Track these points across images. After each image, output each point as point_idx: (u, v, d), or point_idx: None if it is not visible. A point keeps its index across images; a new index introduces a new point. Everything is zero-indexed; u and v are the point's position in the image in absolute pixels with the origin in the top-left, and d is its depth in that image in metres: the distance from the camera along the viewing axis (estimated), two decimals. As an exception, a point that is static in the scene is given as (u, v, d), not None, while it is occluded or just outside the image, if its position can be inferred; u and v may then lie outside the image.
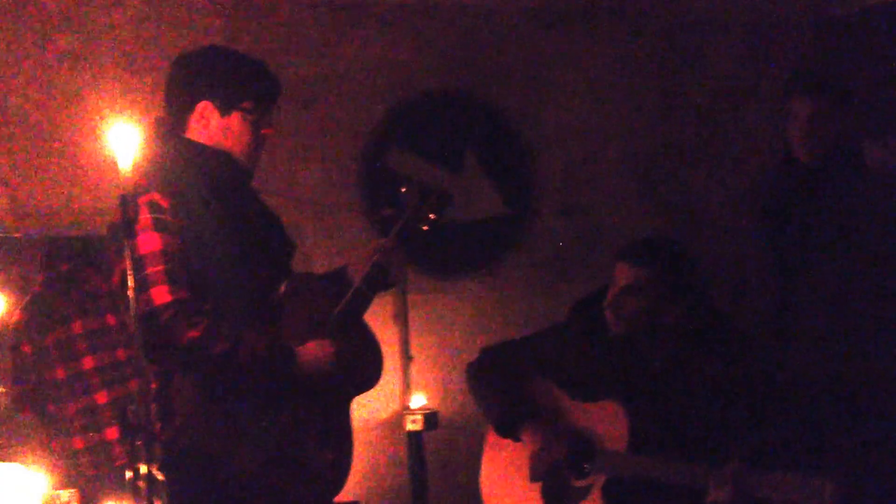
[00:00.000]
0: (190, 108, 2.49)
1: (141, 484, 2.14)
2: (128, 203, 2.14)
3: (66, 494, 3.18)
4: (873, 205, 3.09)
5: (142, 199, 2.38)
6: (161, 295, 2.32)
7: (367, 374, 2.62)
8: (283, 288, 2.50)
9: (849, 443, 2.87)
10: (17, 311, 3.50)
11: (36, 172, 3.59)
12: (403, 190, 2.68)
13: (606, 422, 2.80)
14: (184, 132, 2.50)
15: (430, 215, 2.67)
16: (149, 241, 2.35)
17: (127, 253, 2.11)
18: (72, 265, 3.57)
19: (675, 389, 2.80)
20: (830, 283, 3.09)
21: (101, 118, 3.17)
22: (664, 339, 2.84)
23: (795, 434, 2.85)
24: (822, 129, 3.14)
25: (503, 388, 3.00)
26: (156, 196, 2.39)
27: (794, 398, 2.96)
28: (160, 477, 2.27)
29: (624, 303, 2.81)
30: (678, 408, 2.78)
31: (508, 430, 2.96)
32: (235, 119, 2.49)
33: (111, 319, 3.47)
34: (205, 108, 2.48)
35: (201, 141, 2.49)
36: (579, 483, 2.84)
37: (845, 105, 3.18)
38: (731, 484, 2.51)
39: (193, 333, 2.32)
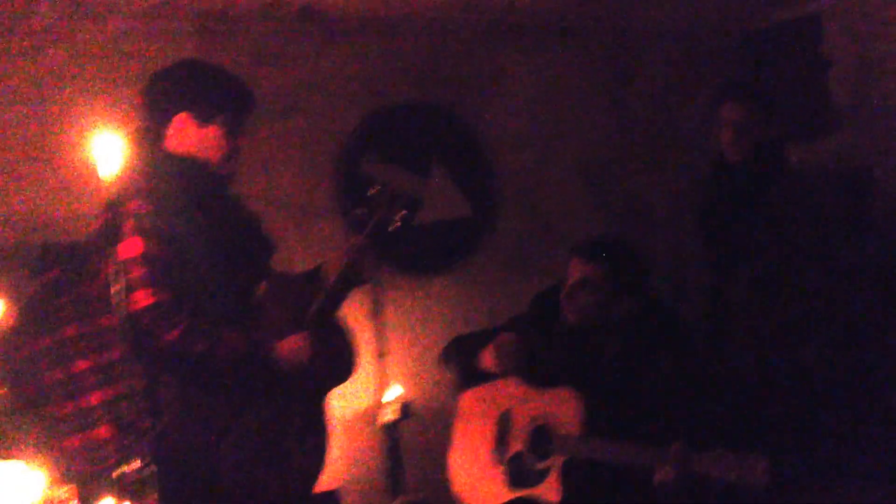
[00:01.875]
0: (168, 119, 2.54)
1: (132, 480, 2.25)
2: (111, 210, 2.22)
3: (63, 491, 3.31)
4: (797, 202, 3.20)
5: (125, 207, 2.42)
6: (144, 298, 2.37)
7: (341, 367, 2.65)
8: (262, 288, 2.54)
9: (778, 423, 3.00)
10: (12, 316, 3.44)
11: (24, 181, 3.60)
12: (373, 191, 2.70)
13: (562, 407, 2.92)
14: (162, 142, 2.53)
15: (399, 214, 2.69)
16: (131, 246, 2.39)
17: (110, 258, 2.20)
18: (63, 270, 3.55)
19: (624, 377, 2.93)
20: (758, 276, 3.20)
21: (87, 130, 3.16)
22: (615, 330, 2.97)
23: (731, 416, 3.00)
24: (750, 132, 3.27)
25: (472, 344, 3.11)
26: (137, 202, 2.43)
27: (730, 384, 3.10)
28: (151, 472, 2.38)
29: (578, 295, 2.94)
30: (628, 394, 2.90)
31: (472, 364, 3.08)
32: (212, 130, 2.54)
33: (104, 321, 3.34)
34: (183, 119, 2.52)
35: (179, 150, 2.52)
36: (539, 465, 2.96)
37: (770, 110, 3.31)
38: (676, 462, 2.65)
39: (174, 333, 2.36)
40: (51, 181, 3.63)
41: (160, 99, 2.55)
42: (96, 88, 3.70)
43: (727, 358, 3.22)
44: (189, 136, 2.53)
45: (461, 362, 3.15)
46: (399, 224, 2.70)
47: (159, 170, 2.49)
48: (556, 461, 2.92)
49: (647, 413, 2.88)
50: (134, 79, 3.64)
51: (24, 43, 3.66)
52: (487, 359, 3.02)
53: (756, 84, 3.62)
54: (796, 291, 3.14)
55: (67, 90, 3.68)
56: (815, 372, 3.06)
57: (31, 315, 3.53)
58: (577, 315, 2.97)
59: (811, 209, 3.24)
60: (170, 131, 2.53)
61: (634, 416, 2.88)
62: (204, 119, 2.53)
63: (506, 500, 3.03)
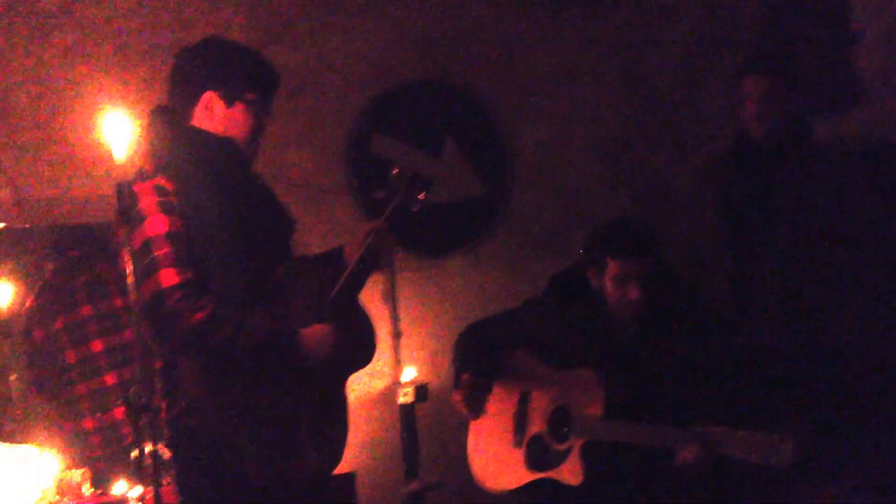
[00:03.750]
0: (195, 98, 2.51)
1: (147, 462, 2.18)
2: (124, 191, 2.16)
3: (77, 474, 3.28)
4: (822, 180, 3.15)
5: (148, 184, 2.38)
6: (168, 277, 2.30)
7: (362, 353, 2.62)
8: (281, 270, 2.51)
9: (803, 405, 2.98)
10: (30, 298, 3.54)
11: (37, 164, 3.60)
12: (394, 172, 2.66)
13: (582, 389, 2.91)
14: (189, 121, 2.52)
15: (420, 196, 2.65)
16: (156, 224, 2.34)
17: (126, 239, 2.15)
18: (80, 251, 3.60)
19: (646, 359, 2.92)
20: (781, 255, 3.16)
21: (98, 109, 3.12)
22: (637, 313, 2.95)
23: (755, 398, 2.98)
24: (774, 107, 3.20)
25: (473, 360, 3.12)
26: (161, 180, 2.39)
27: (752, 365, 3.08)
28: (167, 454, 2.36)
29: (634, 296, 2.90)
30: (649, 376, 2.89)
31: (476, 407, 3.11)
32: (239, 109, 2.52)
33: (119, 302, 3.49)
34: (210, 98, 2.50)
35: (205, 129, 2.50)
36: (559, 447, 2.97)
37: (795, 83, 3.24)
38: (698, 443, 2.65)
39: (199, 316, 2.29)
40: (64, 163, 3.63)
41: (187, 78, 2.54)
42: (107, 68, 3.70)
43: (750, 338, 3.19)
44: (216, 115, 2.52)
45: (468, 367, 3.15)
46: (420, 206, 2.67)
47: (185, 147, 2.47)
48: (576, 442, 2.92)
49: (667, 395, 2.87)
50: (144, 58, 3.72)
51: (34, 23, 3.66)
52: (456, 400, 3.09)
53: (780, 56, 3.53)
54: (821, 270, 3.10)
55: (78, 70, 3.68)
56: (841, 352, 3.03)
57: (48, 297, 3.60)
58: (634, 313, 2.95)
59: (836, 185, 3.18)
60: (196, 110, 2.52)
61: (655, 398, 2.87)
62: (231, 99, 2.52)
63: (525, 481, 3.04)
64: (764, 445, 2.52)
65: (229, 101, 2.52)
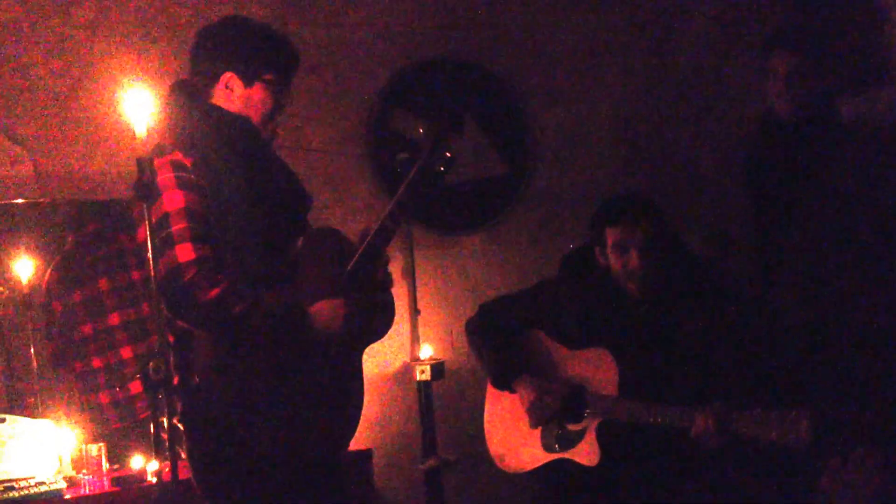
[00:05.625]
0: (215, 77, 2.51)
1: (164, 436, 2.18)
2: (144, 166, 2.13)
3: (94, 448, 3.32)
4: (848, 159, 3.09)
5: (165, 159, 2.38)
6: (185, 252, 2.31)
7: (378, 326, 2.60)
8: (299, 244, 2.50)
9: (823, 381, 2.94)
10: (49, 271, 3.55)
11: (57, 139, 3.61)
12: (422, 131, 2.62)
13: (597, 368, 2.90)
14: (209, 99, 2.52)
15: (447, 154, 2.60)
16: (173, 199, 2.35)
17: (146, 215, 2.12)
18: (100, 226, 3.61)
19: (660, 337, 2.89)
20: (806, 235, 3.12)
21: (119, 85, 3.17)
22: (641, 283, 2.92)
23: (773, 374, 2.95)
24: (801, 84, 3.15)
25: (498, 343, 3.09)
26: (179, 155, 2.40)
27: (774, 345, 3.04)
28: (180, 429, 2.38)
29: (634, 263, 2.88)
30: (663, 354, 2.87)
31: (504, 384, 3.08)
32: (258, 89, 2.51)
33: (137, 276, 3.52)
34: (229, 78, 2.50)
35: (225, 108, 2.50)
36: (574, 427, 2.96)
37: (822, 61, 3.19)
38: (713, 418, 2.62)
39: (215, 292, 2.30)
40: (85, 138, 3.64)
41: (207, 58, 2.54)
42: (128, 43, 3.70)
43: (772, 319, 3.15)
44: (235, 95, 2.52)
45: (486, 360, 3.14)
46: (446, 166, 2.61)
47: (203, 124, 2.48)
48: (591, 423, 2.90)
49: (683, 373, 2.85)
50: (164, 35, 3.72)
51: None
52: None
53: (807, 33, 3.45)
54: (846, 249, 3.06)
55: (99, 46, 3.68)
56: (865, 335, 2.99)
57: (67, 270, 3.62)
58: (644, 286, 2.92)
59: (862, 164, 3.12)
60: (216, 90, 2.53)
61: (670, 376, 2.85)
62: (250, 79, 2.52)
63: (542, 462, 3.02)
64: (780, 422, 2.49)
65: (248, 82, 2.53)
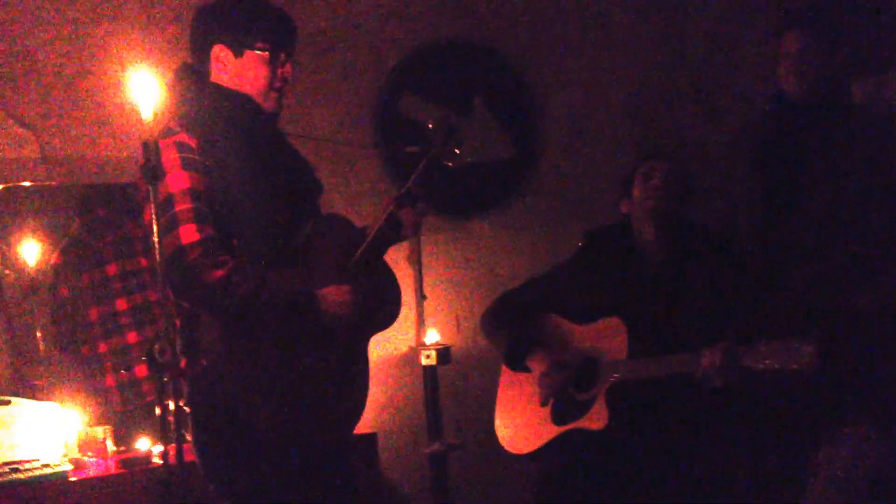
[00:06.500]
0: (207, 52, 2.49)
1: (170, 419, 2.16)
2: (150, 149, 2.14)
3: (100, 431, 3.34)
4: (860, 141, 3.07)
5: (170, 139, 2.37)
6: (189, 233, 2.30)
7: (385, 314, 2.61)
8: (307, 229, 2.49)
9: (827, 310, 2.93)
10: (56, 255, 3.56)
11: (64, 122, 3.60)
12: (431, 126, 2.59)
13: (608, 337, 2.92)
14: (208, 76, 2.51)
15: (456, 150, 2.59)
16: (177, 180, 2.34)
17: (152, 196, 2.13)
18: (107, 210, 3.62)
19: (668, 293, 2.94)
20: (816, 218, 3.09)
21: (125, 68, 3.16)
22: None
23: (777, 305, 2.94)
24: (812, 64, 3.10)
25: (512, 325, 3.12)
26: (183, 136, 2.39)
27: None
28: (186, 413, 2.37)
29: (656, 182, 3.04)
30: (672, 309, 2.91)
31: (518, 361, 3.09)
32: (249, 58, 2.48)
33: (144, 262, 3.53)
34: (220, 50, 2.48)
35: (222, 84, 2.49)
36: (584, 397, 2.96)
37: (835, 41, 3.16)
38: (720, 354, 2.64)
39: (219, 273, 2.29)
40: (91, 121, 3.64)
41: (199, 32, 2.54)
42: (134, 27, 3.70)
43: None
44: (228, 68, 2.50)
45: (500, 342, 3.18)
46: (455, 161, 2.60)
47: (206, 104, 2.47)
48: (600, 389, 2.92)
49: (690, 324, 2.86)
50: (170, 17, 3.71)
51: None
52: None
53: (820, 12, 3.41)
54: (856, 231, 3.04)
55: (105, 29, 3.67)
56: (872, 318, 2.98)
57: (74, 254, 3.63)
58: (659, 222, 3.05)
59: (875, 148, 3.09)
60: (212, 66, 2.52)
61: (678, 329, 2.88)
62: (239, 48, 2.49)
63: (552, 435, 3.03)
64: (785, 351, 2.51)
65: (238, 51, 2.49)
